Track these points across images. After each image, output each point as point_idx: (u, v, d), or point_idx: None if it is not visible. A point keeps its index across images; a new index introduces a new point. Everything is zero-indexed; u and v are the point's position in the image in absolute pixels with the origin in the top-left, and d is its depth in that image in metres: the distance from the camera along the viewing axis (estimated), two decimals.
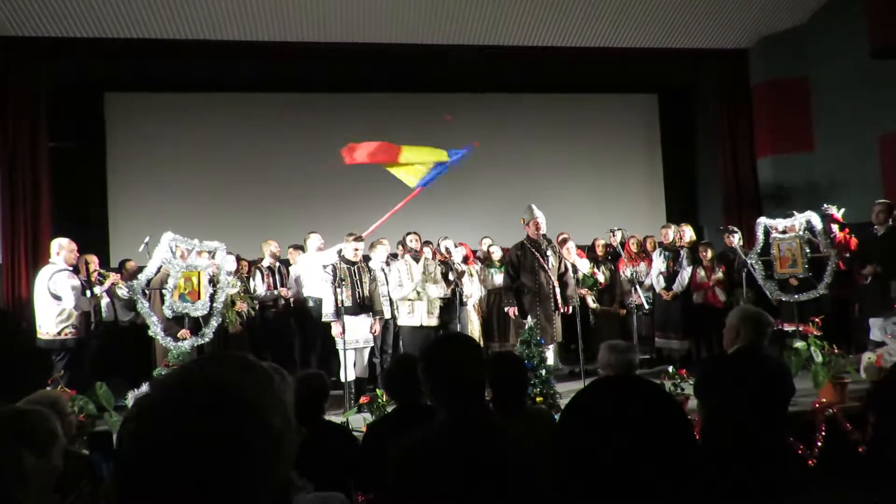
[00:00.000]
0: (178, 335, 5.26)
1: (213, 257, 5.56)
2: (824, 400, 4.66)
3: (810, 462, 4.22)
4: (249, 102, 9.08)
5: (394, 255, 6.72)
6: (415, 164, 6.39)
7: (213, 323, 5.35)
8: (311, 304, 6.53)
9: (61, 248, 5.62)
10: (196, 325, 5.37)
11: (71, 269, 5.63)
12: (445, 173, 6.45)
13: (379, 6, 7.47)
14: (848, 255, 5.98)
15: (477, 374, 1.76)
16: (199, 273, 5.27)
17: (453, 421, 1.67)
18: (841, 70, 8.01)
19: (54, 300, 5.46)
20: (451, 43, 8.19)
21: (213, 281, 5.44)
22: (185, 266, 5.23)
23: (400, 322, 6.29)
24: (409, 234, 6.46)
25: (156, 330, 5.16)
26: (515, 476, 1.58)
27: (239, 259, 6.83)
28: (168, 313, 5.20)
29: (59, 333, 5.48)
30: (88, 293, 5.72)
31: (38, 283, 5.58)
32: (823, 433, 4.35)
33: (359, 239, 5.96)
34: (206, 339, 5.32)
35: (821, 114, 8.41)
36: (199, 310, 5.26)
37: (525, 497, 1.56)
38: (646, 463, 0.89)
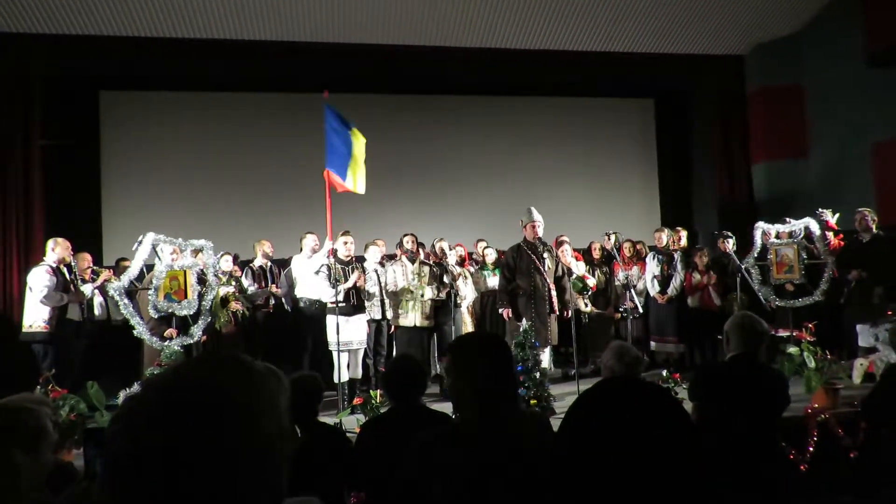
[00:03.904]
0: (165, 334, 5.23)
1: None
2: (816, 405, 4.66)
3: (802, 467, 4.22)
4: (246, 102, 9.05)
5: (390, 257, 6.71)
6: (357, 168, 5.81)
7: (202, 322, 5.32)
8: (304, 304, 6.51)
9: (56, 246, 5.66)
10: (185, 325, 5.33)
11: (55, 266, 5.64)
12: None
13: (377, 8, 7.47)
14: (831, 259, 6.03)
15: (511, 372, 1.94)
16: (185, 272, 5.23)
17: (485, 416, 1.76)
18: (835, 78, 8.06)
19: (29, 292, 5.59)
20: (449, 45, 8.20)
21: (202, 280, 5.41)
22: (171, 265, 5.20)
23: (394, 323, 6.28)
24: (405, 235, 6.46)
25: (140, 330, 5.12)
26: (541, 471, 1.61)
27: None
28: (152, 313, 5.18)
29: (30, 326, 5.58)
30: (71, 289, 5.73)
31: (28, 280, 5.69)
32: (815, 438, 4.35)
33: (346, 233, 6.07)
34: (195, 339, 5.29)
35: (815, 121, 8.47)
36: (184, 309, 5.22)
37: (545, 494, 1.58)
38: (651, 464, 0.89)
